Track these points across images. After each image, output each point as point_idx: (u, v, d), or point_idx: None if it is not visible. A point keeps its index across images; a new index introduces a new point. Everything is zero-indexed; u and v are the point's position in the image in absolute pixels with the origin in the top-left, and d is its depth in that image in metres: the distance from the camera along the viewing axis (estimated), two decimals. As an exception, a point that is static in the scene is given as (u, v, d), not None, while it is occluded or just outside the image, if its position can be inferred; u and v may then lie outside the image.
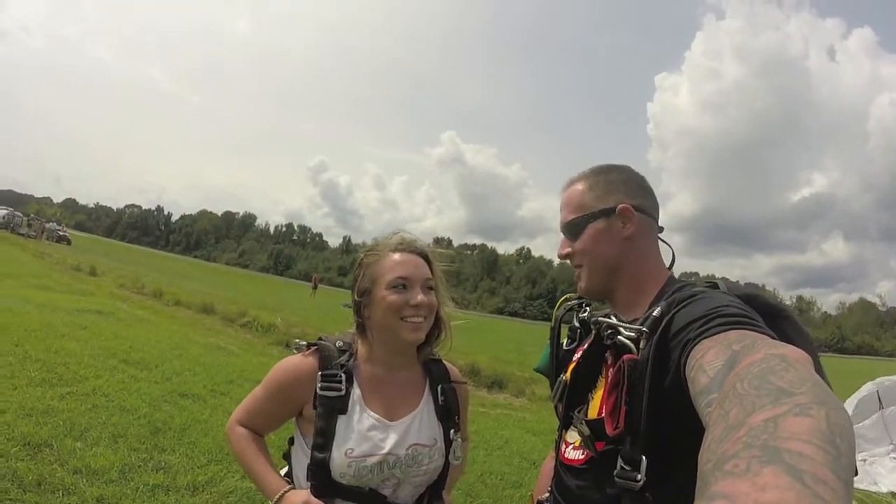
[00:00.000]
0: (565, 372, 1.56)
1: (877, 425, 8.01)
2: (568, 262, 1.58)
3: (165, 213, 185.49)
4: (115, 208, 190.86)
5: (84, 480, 3.75)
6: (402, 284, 1.65)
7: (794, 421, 0.55)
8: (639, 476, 1.17)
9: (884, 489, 7.11)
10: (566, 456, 1.48)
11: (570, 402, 1.51)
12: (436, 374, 1.82)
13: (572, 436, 1.47)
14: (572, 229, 1.54)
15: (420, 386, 1.79)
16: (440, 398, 1.78)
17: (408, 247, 1.74)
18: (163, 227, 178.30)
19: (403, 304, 1.64)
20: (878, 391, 8.31)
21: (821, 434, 0.52)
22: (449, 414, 1.78)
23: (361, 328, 1.75)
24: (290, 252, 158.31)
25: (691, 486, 0.55)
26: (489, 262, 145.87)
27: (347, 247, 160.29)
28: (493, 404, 10.65)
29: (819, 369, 0.92)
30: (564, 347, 1.66)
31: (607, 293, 1.53)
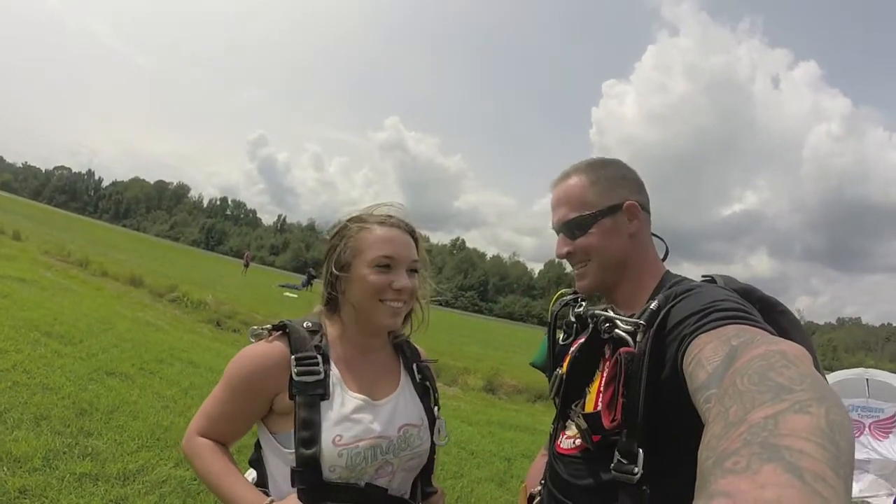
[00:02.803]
0: (561, 366, 1.57)
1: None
2: (565, 260, 1.55)
3: (96, 177, 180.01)
4: (43, 170, 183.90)
5: (5, 469, 3.51)
6: (386, 264, 1.52)
7: (795, 418, 0.54)
8: (636, 469, 1.18)
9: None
10: (561, 446, 1.49)
11: (567, 396, 1.51)
12: (408, 352, 1.73)
13: (570, 428, 1.48)
14: (574, 227, 1.49)
15: (395, 365, 1.69)
16: (417, 376, 1.69)
17: (397, 222, 1.60)
18: (92, 193, 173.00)
19: (386, 285, 1.51)
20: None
21: (821, 431, 0.52)
22: (428, 392, 1.69)
23: (333, 305, 1.62)
24: (222, 227, 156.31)
25: (690, 482, 0.55)
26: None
27: (282, 226, 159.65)
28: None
29: (817, 365, 0.92)
30: (560, 342, 1.67)
31: (609, 290, 1.53)
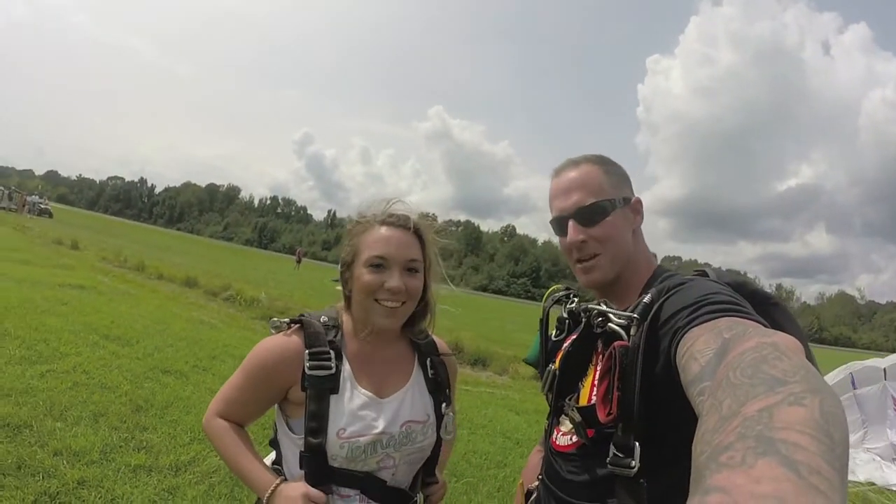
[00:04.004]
0: (554, 361, 1.55)
1: (850, 408, 8.04)
2: (576, 250, 1.48)
3: (149, 185, 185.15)
4: (97, 181, 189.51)
5: (65, 462, 3.71)
6: (380, 263, 1.54)
7: (789, 410, 0.54)
8: (633, 462, 1.17)
9: (861, 478, 7.19)
10: (557, 442, 1.47)
11: (561, 391, 1.50)
12: (424, 347, 1.73)
13: (564, 423, 1.47)
14: (593, 214, 1.45)
15: (409, 360, 1.71)
16: (430, 371, 1.70)
17: (397, 220, 1.59)
18: (146, 200, 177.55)
19: (378, 285, 1.53)
20: (851, 373, 8.42)
21: (815, 423, 0.52)
22: (439, 387, 1.70)
23: (348, 300, 1.65)
24: (274, 225, 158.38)
25: (687, 474, 0.55)
26: (473, 238, 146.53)
27: (332, 221, 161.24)
28: (477, 382, 10.64)
29: (810, 356, 0.94)
30: (553, 338, 1.65)
31: (612, 284, 1.49)
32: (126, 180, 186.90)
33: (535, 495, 1.61)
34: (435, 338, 1.80)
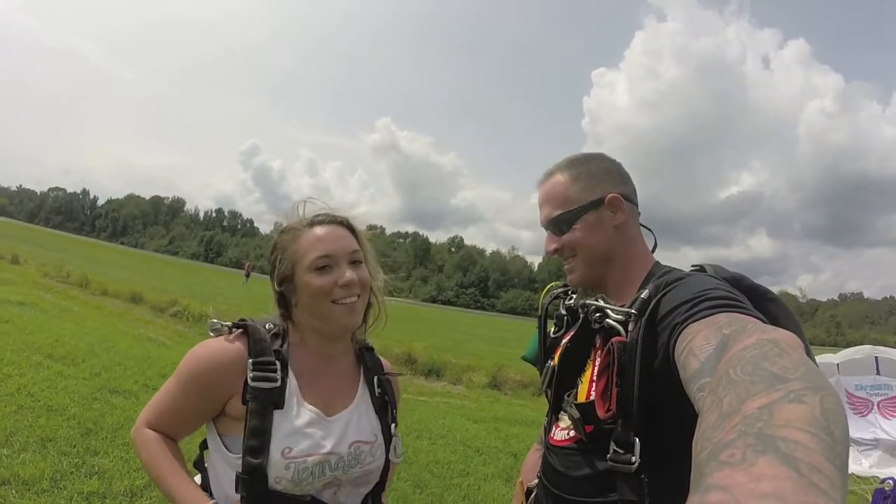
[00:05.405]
0: (553, 358, 1.57)
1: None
2: (556, 256, 1.57)
3: (91, 196, 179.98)
4: (38, 192, 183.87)
5: (13, 492, 3.54)
6: (326, 264, 1.47)
7: (789, 408, 0.53)
8: (633, 458, 1.18)
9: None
10: (554, 438, 1.49)
11: (559, 387, 1.51)
12: (370, 364, 1.68)
13: (563, 420, 1.48)
14: (560, 224, 1.52)
15: (355, 377, 1.63)
16: (377, 390, 1.63)
17: (326, 218, 1.55)
18: (88, 212, 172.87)
19: (331, 285, 1.46)
20: (837, 364, 8.63)
21: (815, 421, 0.51)
22: (386, 407, 1.64)
23: (287, 318, 1.56)
24: (220, 239, 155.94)
25: (688, 469, 0.55)
26: (422, 250, 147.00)
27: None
28: (432, 392, 10.68)
29: (808, 352, 0.93)
30: (552, 335, 1.67)
31: (599, 282, 1.53)
32: (68, 191, 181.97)
33: (534, 493, 1.62)
34: (380, 357, 1.75)
